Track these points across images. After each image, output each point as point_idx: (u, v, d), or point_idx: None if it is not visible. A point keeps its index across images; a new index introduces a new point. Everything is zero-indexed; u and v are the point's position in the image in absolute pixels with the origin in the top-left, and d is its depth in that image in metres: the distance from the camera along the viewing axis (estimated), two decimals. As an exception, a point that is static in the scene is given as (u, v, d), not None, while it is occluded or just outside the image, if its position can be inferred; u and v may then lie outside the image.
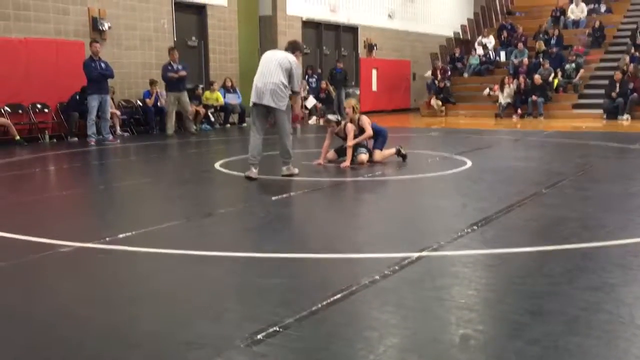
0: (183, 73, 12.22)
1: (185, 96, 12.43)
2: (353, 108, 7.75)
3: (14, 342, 2.58)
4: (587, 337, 2.49)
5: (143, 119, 12.92)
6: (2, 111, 10.73)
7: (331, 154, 7.85)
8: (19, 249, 4.00)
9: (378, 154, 7.74)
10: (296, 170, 6.77)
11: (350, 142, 7.48)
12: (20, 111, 11.03)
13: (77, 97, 11.40)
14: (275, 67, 6.50)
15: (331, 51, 18.84)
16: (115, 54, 12.23)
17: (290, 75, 6.52)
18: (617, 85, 15.16)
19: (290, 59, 6.59)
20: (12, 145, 10.36)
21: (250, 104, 6.67)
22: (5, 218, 5.07)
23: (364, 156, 7.59)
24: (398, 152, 7.85)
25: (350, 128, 7.56)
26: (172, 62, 12.29)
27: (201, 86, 14.31)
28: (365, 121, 7.73)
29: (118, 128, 12.17)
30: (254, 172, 6.45)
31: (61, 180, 7.67)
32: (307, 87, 16.45)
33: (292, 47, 6.85)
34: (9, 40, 10.84)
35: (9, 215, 5.17)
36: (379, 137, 7.82)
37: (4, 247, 4.11)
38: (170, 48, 12.52)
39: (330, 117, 7.91)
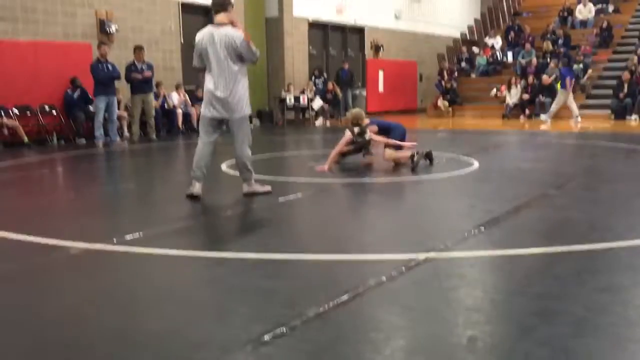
0: (148, 73, 11.50)
1: (151, 99, 11.74)
2: (357, 123, 7.47)
3: (23, 343, 2.59)
4: (595, 339, 2.48)
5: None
6: (11, 113, 10.80)
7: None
8: (28, 251, 4.02)
9: (388, 154, 7.45)
10: (261, 188, 5.74)
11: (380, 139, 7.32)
12: (28, 113, 11.10)
13: (69, 91, 11.40)
14: (227, 63, 5.38)
15: (337, 52, 18.84)
16: (123, 55, 12.27)
17: (239, 54, 5.41)
18: (625, 85, 15.09)
19: (233, 36, 5.38)
20: (20, 147, 10.42)
21: (206, 114, 5.59)
22: (14, 219, 5.09)
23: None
24: (412, 157, 7.29)
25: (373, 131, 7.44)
26: (136, 62, 11.54)
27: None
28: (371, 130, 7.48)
29: (125, 129, 12.22)
30: (197, 187, 5.58)
31: (68, 181, 7.71)
32: (314, 88, 16.46)
33: (221, 6, 5.54)
34: (17, 42, 10.91)
35: (18, 217, 5.20)
36: (391, 136, 7.52)
37: (13, 248, 4.13)
38: (136, 47, 11.69)
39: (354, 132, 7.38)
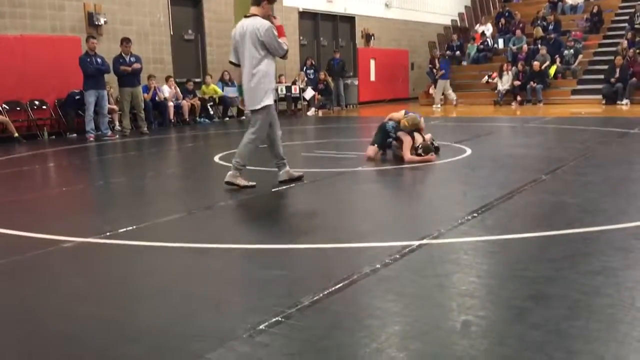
0: (137, 66, 11.34)
1: (139, 91, 11.60)
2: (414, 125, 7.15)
3: (16, 338, 2.59)
4: (589, 321, 2.50)
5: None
6: (0, 109, 10.73)
7: (372, 150, 7.24)
8: (20, 246, 4.00)
9: (409, 158, 7.09)
10: (243, 182, 5.57)
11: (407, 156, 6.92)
12: (18, 108, 11.03)
13: (76, 97, 11.37)
14: (251, 53, 5.38)
15: (328, 42, 18.78)
16: (112, 48, 12.19)
17: (265, 46, 5.38)
18: (617, 70, 15.12)
19: (257, 26, 5.34)
20: (11, 142, 10.36)
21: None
22: (6, 215, 5.07)
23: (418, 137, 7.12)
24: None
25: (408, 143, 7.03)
26: (123, 54, 11.36)
27: (194, 80, 14.22)
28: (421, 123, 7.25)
29: (117, 123, 12.14)
30: (229, 174, 5.57)
31: (61, 176, 7.67)
32: (305, 78, 16.41)
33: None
34: (5, 37, 10.82)
35: (10, 212, 5.17)
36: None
37: (5, 244, 4.11)
38: (123, 39, 11.48)
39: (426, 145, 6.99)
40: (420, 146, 6.96)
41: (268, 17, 5.49)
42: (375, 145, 7.25)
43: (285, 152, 5.87)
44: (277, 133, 5.73)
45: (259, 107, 5.48)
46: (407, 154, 6.94)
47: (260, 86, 5.43)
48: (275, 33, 5.39)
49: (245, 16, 5.57)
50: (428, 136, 7.36)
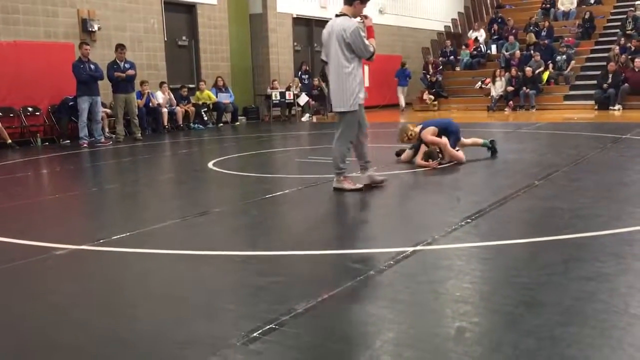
0: (131, 72, 11.28)
1: (133, 97, 11.57)
2: (408, 136, 7.23)
3: (9, 346, 2.57)
4: (582, 327, 2.50)
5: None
6: (-7, 115, 10.69)
7: (406, 155, 7.36)
8: (12, 253, 3.98)
9: (419, 162, 7.22)
10: (349, 185, 5.65)
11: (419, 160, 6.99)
12: (11, 115, 10.98)
13: (69, 103, 11.34)
14: (334, 54, 5.35)
15: (322, 48, 18.80)
16: (106, 55, 12.16)
17: (350, 46, 5.29)
18: (610, 76, 15.20)
19: (345, 26, 5.26)
20: (3, 149, 10.31)
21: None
22: (-2, 222, 5.04)
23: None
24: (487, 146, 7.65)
25: (422, 148, 7.08)
26: (117, 61, 11.29)
27: (189, 86, 14.20)
28: (427, 134, 7.12)
29: (107, 129, 12.05)
30: (339, 179, 5.66)
31: (54, 183, 7.64)
32: (300, 84, 16.43)
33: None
34: (-1, 43, 10.79)
35: (2, 219, 5.14)
36: (451, 135, 7.27)
37: (-3, 251, 4.09)
38: (117, 45, 11.42)
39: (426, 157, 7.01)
40: (424, 152, 7.08)
41: (359, 17, 5.43)
42: (412, 149, 7.34)
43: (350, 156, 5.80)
44: (364, 133, 5.67)
45: (346, 110, 5.41)
46: (417, 158, 7.12)
47: (348, 88, 5.34)
48: (363, 34, 5.31)
49: (337, 15, 5.49)
50: (470, 140, 7.62)
